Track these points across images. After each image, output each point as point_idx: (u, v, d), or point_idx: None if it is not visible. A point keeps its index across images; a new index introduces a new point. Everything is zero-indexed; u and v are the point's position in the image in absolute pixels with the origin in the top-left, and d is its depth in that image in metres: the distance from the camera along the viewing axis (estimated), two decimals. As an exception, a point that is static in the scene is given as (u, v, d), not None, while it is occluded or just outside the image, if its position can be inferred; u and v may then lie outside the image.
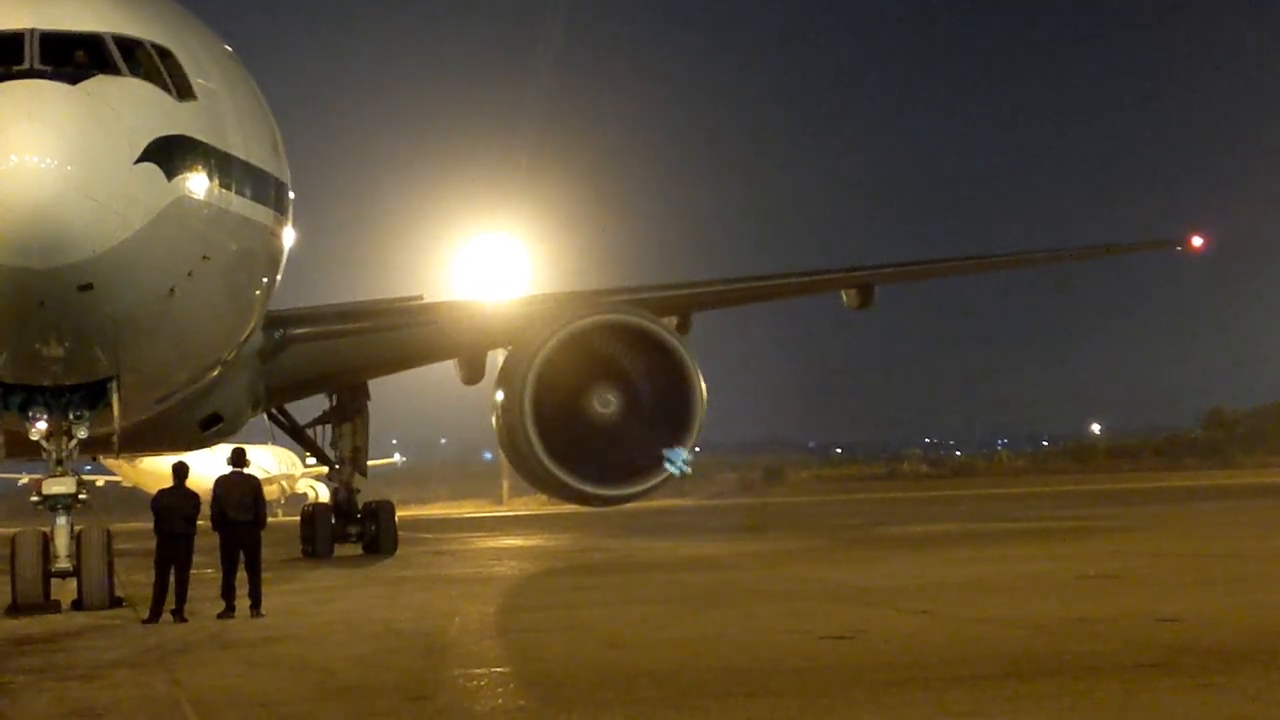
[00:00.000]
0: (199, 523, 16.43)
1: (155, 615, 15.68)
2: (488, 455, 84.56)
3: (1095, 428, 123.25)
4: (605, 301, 26.28)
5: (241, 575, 16.13)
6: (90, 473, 46.69)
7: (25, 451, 18.32)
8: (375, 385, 30.05)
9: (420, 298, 29.14)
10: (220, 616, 15.81)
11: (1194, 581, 16.55)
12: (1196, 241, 33.51)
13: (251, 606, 15.92)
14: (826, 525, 36.29)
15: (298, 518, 32.73)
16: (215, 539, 16.46)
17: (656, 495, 26.84)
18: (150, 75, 15.36)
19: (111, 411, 16.87)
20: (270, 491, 59.64)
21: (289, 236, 18.64)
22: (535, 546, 32.03)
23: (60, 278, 14.36)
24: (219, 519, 16.30)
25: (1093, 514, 36.04)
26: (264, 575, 16.47)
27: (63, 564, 17.01)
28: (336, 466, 30.03)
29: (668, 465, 23.45)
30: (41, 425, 16.85)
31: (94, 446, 20.84)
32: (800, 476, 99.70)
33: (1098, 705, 8.72)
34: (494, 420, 24.67)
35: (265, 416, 28.62)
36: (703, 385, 23.67)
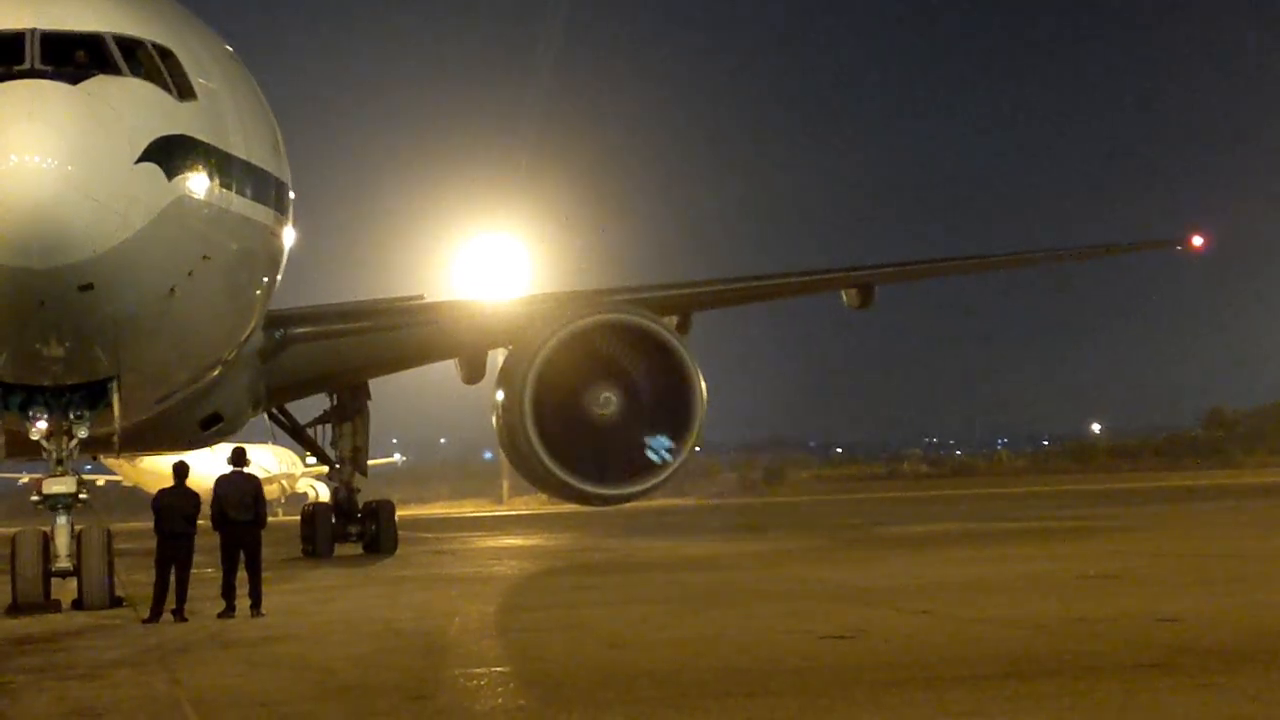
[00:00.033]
0: (199, 522, 16.44)
1: (155, 615, 15.69)
2: (488, 455, 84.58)
3: (1095, 428, 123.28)
4: (605, 301, 26.29)
5: (242, 575, 16.14)
6: (91, 472, 46.72)
7: (25, 451, 18.33)
8: (375, 385, 30.07)
9: (420, 297, 29.16)
10: (220, 616, 15.82)
11: (1194, 581, 16.56)
12: (1196, 241, 33.51)
13: (252, 606, 15.92)
14: (826, 525, 36.30)
15: (298, 517, 32.74)
16: (215, 538, 16.46)
17: (656, 495, 26.87)
18: (151, 75, 15.36)
19: (112, 411, 16.87)
20: (270, 491, 59.65)
21: (289, 236, 18.64)
22: (535, 546, 32.04)
23: (61, 278, 14.36)
24: (219, 518, 16.30)
25: (1093, 514, 36.04)
26: (264, 575, 16.47)
27: (63, 563, 17.02)
28: (337, 466, 30.04)
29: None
30: (42, 425, 16.85)
31: (94, 446, 20.84)
32: (800, 476, 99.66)
33: (1098, 705, 8.72)
34: (494, 420, 24.69)
35: (265, 416, 28.64)
36: (703, 385, 23.69)
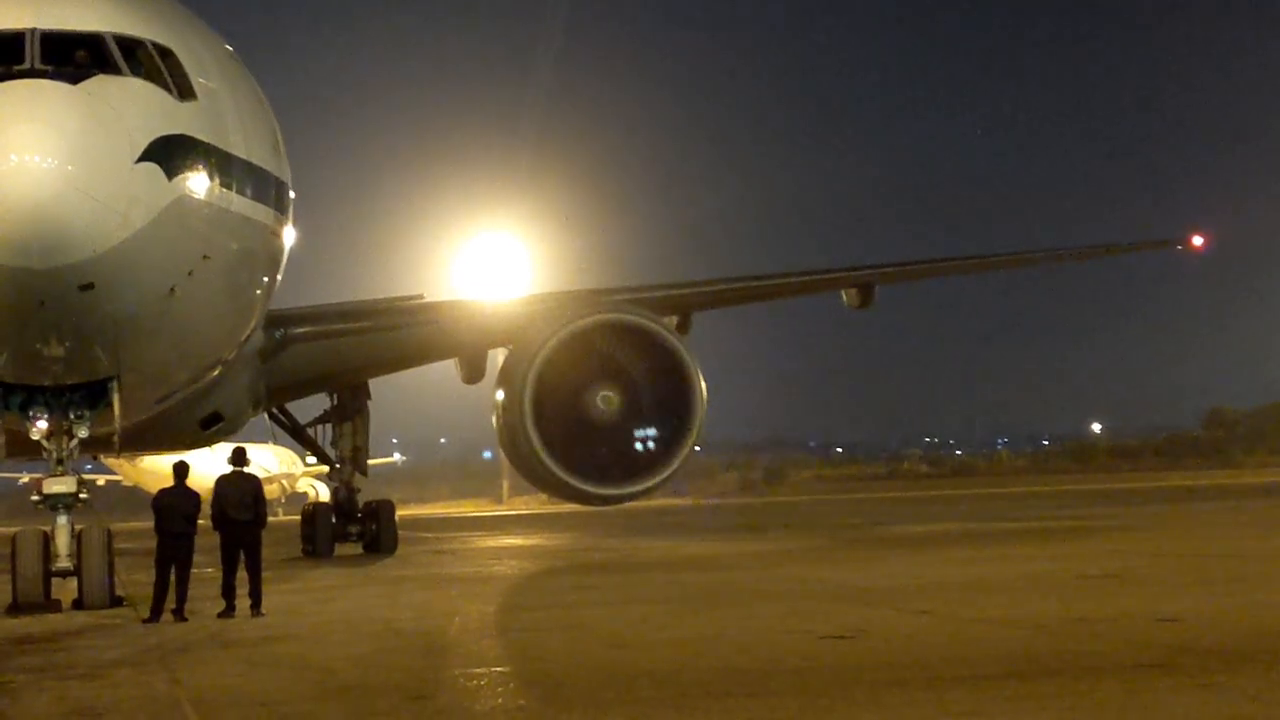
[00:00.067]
0: (199, 522, 16.44)
1: (156, 614, 15.69)
2: (488, 454, 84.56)
3: (1095, 427, 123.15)
4: (605, 301, 26.30)
5: (242, 574, 16.14)
6: (91, 472, 46.75)
7: (26, 451, 18.33)
8: (375, 385, 30.07)
9: (420, 297, 29.16)
10: (220, 616, 15.83)
11: (1194, 581, 16.56)
12: (1197, 241, 33.53)
13: (252, 606, 15.92)
14: (826, 525, 36.30)
15: (298, 517, 32.76)
16: (215, 538, 16.47)
17: (656, 495, 26.87)
18: (151, 75, 15.35)
19: (112, 411, 16.86)
20: (271, 491, 59.62)
21: (289, 236, 18.64)
22: (535, 546, 32.04)
23: (61, 277, 14.35)
24: (219, 518, 16.31)
25: (1093, 514, 36.04)
26: (264, 574, 16.48)
27: (63, 563, 17.02)
28: (337, 466, 30.04)
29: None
30: (42, 425, 16.85)
31: (95, 446, 20.83)
32: (800, 476, 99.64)
33: (1098, 705, 8.72)
34: (494, 419, 24.71)
35: (266, 416, 28.64)
36: (703, 385, 23.71)
